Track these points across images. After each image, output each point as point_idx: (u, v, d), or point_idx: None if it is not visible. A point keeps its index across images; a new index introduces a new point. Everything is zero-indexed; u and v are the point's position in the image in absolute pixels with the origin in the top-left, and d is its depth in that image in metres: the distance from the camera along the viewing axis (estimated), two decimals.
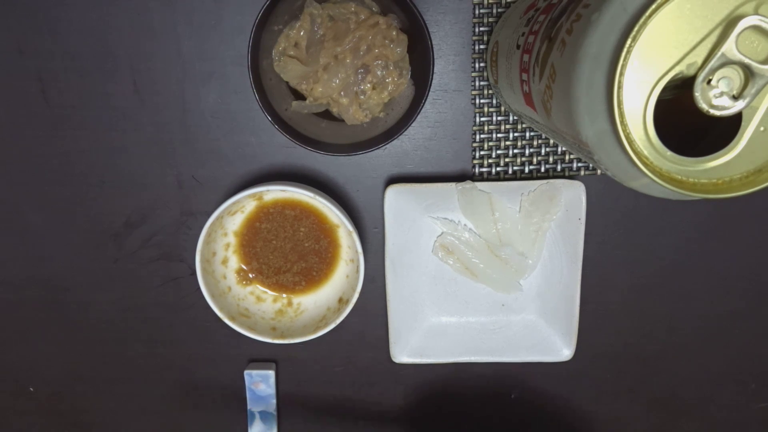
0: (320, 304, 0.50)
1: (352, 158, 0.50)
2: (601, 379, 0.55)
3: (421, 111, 0.44)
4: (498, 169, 0.50)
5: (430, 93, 0.43)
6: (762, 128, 0.26)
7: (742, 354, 0.55)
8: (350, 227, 0.46)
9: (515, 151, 0.50)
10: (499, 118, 0.50)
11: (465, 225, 0.50)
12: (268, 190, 0.46)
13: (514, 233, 0.49)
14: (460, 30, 0.48)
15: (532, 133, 0.50)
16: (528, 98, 0.36)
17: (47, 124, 0.50)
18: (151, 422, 0.57)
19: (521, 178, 0.50)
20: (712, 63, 0.24)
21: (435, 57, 0.43)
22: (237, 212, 0.49)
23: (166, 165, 0.50)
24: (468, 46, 0.48)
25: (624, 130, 0.25)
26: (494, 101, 0.49)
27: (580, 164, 0.50)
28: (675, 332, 0.54)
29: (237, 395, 0.55)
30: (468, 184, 0.48)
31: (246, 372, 0.53)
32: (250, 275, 0.50)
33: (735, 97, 0.25)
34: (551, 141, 0.50)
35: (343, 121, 0.46)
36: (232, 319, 0.48)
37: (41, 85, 0.49)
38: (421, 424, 0.54)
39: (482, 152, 0.50)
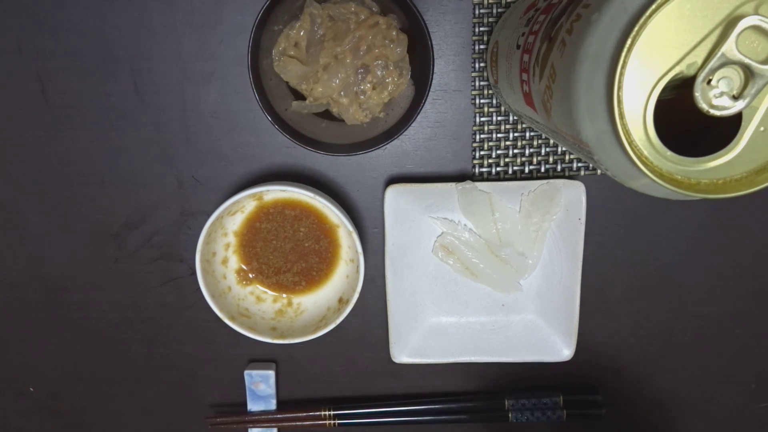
0: (320, 304, 0.50)
1: (352, 158, 0.50)
2: (601, 379, 0.55)
3: (421, 111, 0.44)
4: (498, 169, 0.50)
5: (430, 93, 0.43)
6: (762, 128, 0.26)
7: (742, 354, 0.55)
8: (350, 227, 0.46)
9: (515, 151, 0.50)
10: (499, 118, 0.50)
11: (465, 225, 0.50)
12: (268, 190, 0.46)
13: (514, 233, 0.49)
14: (460, 30, 0.48)
15: (532, 133, 0.50)
16: (528, 98, 0.36)
17: (47, 124, 0.50)
18: (151, 422, 0.57)
19: (521, 178, 0.50)
20: (712, 63, 0.24)
21: (435, 57, 0.43)
22: (237, 212, 0.49)
23: (166, 165, 0.50)
24: (468, 46, 0.48)
25: (624, 130, 0.25)
26: (494, 101, 0.49)
27: (580, 164, 0.50)
28: (675, 332, 0.54)
29: (237, 395, 0.55)
30: (468, 184, 0.48)
31: (246, 372, 0.53)
32: (250, 275, 0.50)
33: (735, 97, 0.25)
34: (551, 141, 0.50)
35: (343, 121, 0.46)
36: (232, 319, 0.48)
37: (41, 85, 0.49)
38: (421, 424, 0.54)
39: (482, 152, 0.50)
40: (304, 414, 0.54)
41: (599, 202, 0.51)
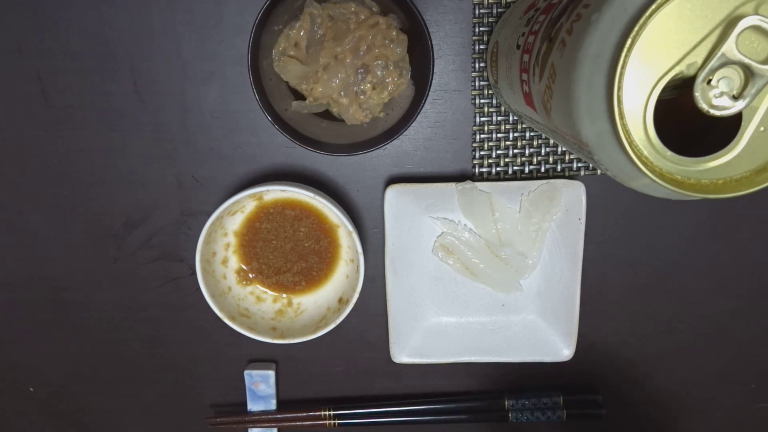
0: (320, 304, 0.50)
1: (352, 158, 0.50)
2: (601, 379, 0.55)
3: (421, 111, 0.44)
4: (498, 169, 0.50)
5: (430, 93, 0.43)
6: (762, 128, 0.26)
7: (742, 354, 0.55)
8: (350, 227, 0.46)
9: (515, 151, 0.50)
10: (499, 118, 0.50)
11: (465, 225, 0.50)
12: (268, 190, 0.46)
13: (514, 233, 0.49)
14: (460, 30, 0.48)
15: (532, 133, 0.50)
16: (528, 98, 0.36)
17: (47, 124, 0.50)
18: (151, 422, 0.57)
19: (521, 178, 0.50)
20: (712, 63, 0.24)
21: (435, 57, 0.43)
22: (237, 212, 0.49)
23: (166, 165, 0.50)
24: (468, 46, 0.48)
25: (624, 130, 0.25)
26: (494, 101, 0.49)
27: (580, 164, 0.50)
28: (675, 332, 0.54)
29: (237, 395, 0.55)
30: (468, 184, 0.48)
31: (246, 372, 0.53)
32: (250, 275, 0.50)
33: (735, 97, 0.25)
34: (551, 141, 0.50)
35: (343, 121, 0.46)
36: (232, 319, 0.48)
37: (41, 85, 0.49)
38: (421, 424, 0.54)
39: (482, 152, 0.50)
40: (304, 414, 0.54)
41: (599, 202, 0.51)
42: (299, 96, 0.46)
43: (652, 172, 0.26)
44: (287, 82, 0.46)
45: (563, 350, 0.51)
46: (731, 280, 0.53)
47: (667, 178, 0.26)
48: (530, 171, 0.50)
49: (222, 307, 0.48)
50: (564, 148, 0.50)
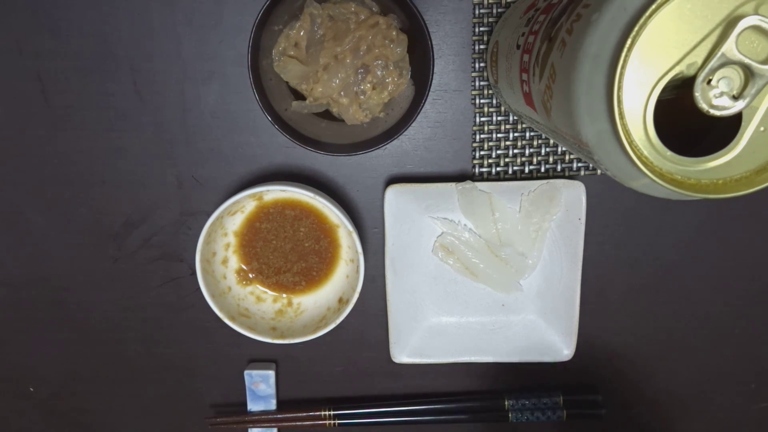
0: (320, 304, 0.50)
1: (352, 158, 0.50)
2: (601, 379, 0.55)
3: (421, 111, 0.44)
4: (498, 169, 0.50)
5: (430, 93, 0.43)
6: (762, 128, 0.26)
7: (742, 354, 0.55)
8: (350, 227, 0.46)
9: (515, 151, 0.50)
10: (499, 118, 0.50)
11: (465, 225, 0.50)
12: (268, 190, 0.46)
13: (514, 233, 0.49)
14: (460, 30, 0.48)
15: (532, 133, 0.50)
16: (528, 98, 0.36)
17: (47, 124, 0.50)
18: (151, 422, 0.57)
19: (521, 178, 0.50)
20: (712, 63, 0.24)
21: (435, 57, 0.43)
22: (237, 212, 0.49)
23: (166, 165, 0.50)
24: (468, 46, 0.48)
25: (624, 130, 0.25)
26: (494, 101, 0.49)
27: (580, 164, 0.50)
28: (675, 332, 0.54)
29: (237, 395, 0.55)
30: (468, 184, 0.48)
31: (246, 372, 0.53)
32: (250, 275, 0.50)
33: (735, 97, 0.25)
34: (551, 141, 0.50)
35: (343, 121, 0.46)
36: (232, 319, 0.48)
37: (41, 85, 0.49)
38: (421, 424, 0.54)
39: (482, 152, 0.50)
40: (304, 414, 0.54)
41: (599, 202, 0.51)
42: (299, 96, 0.46)
43: (652, 172, 0.26)
44: (287, 82, 0.46)
45: (563, 350, 0.51)
46: (731, 280, 0.53)
47: (667, 178, 0.26)
48: (530, 171, 0.50)
49: (222, 307, 0.48)
50: (564, 148, 0.50)
